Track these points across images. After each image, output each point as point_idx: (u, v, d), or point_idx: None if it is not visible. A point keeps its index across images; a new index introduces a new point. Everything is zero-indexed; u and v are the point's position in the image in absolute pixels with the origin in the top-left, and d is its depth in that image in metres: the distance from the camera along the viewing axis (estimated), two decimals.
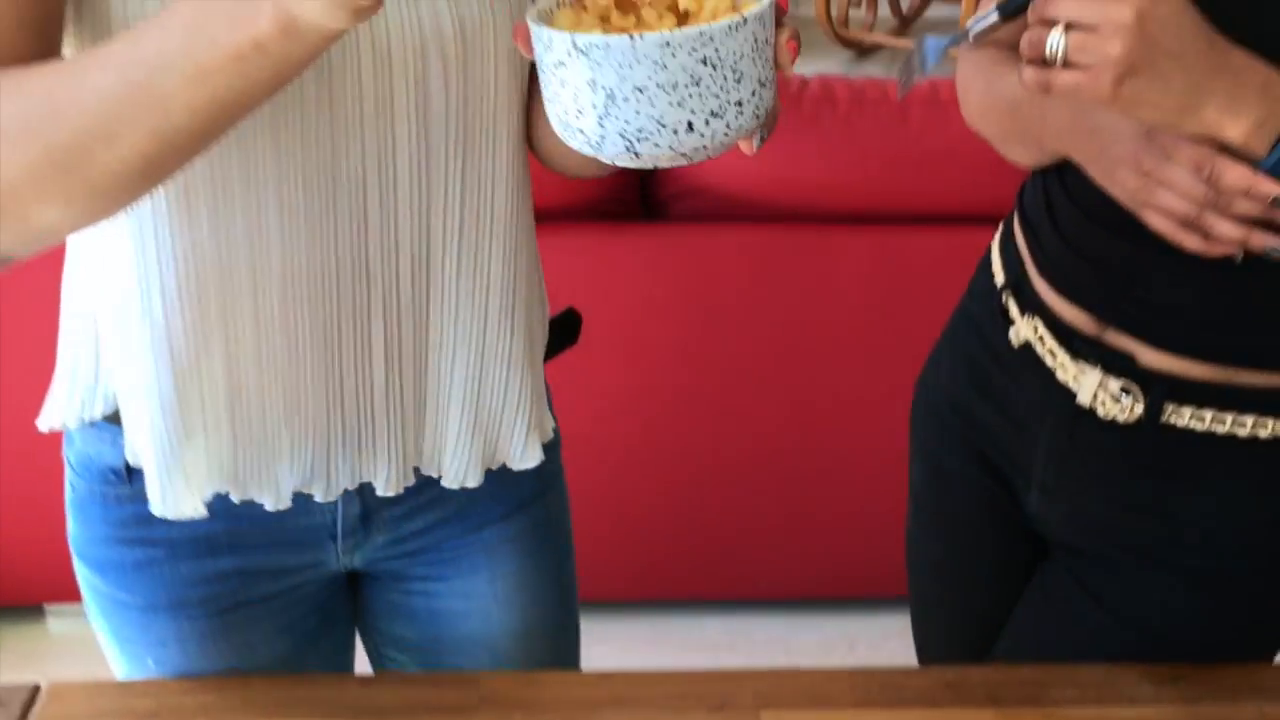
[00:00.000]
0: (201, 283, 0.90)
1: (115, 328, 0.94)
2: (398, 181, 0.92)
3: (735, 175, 1.91)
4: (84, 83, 0.73)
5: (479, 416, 1.03)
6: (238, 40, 0.69)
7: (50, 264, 1.01)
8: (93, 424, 1.00)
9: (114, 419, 0.99)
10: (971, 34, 0.90)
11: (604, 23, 0.72)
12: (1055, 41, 0.83)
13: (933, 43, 0.94)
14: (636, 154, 0.71)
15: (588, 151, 0.73)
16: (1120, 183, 0.99)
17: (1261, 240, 0.95)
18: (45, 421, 1.03)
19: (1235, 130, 0.87)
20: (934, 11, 5.12)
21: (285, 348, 0.94)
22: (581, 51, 0.68)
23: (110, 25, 0.82)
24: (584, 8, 0.74)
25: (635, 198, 1.96)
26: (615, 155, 0.72)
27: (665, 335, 2.02)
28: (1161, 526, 1.13)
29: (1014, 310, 1.17)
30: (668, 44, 0.66)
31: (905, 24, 5.05)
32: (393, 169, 0.91)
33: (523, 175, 1.00)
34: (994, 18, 0.88)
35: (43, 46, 0.80)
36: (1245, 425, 1.06)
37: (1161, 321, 1.07)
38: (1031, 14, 0.85)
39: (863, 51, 4.93)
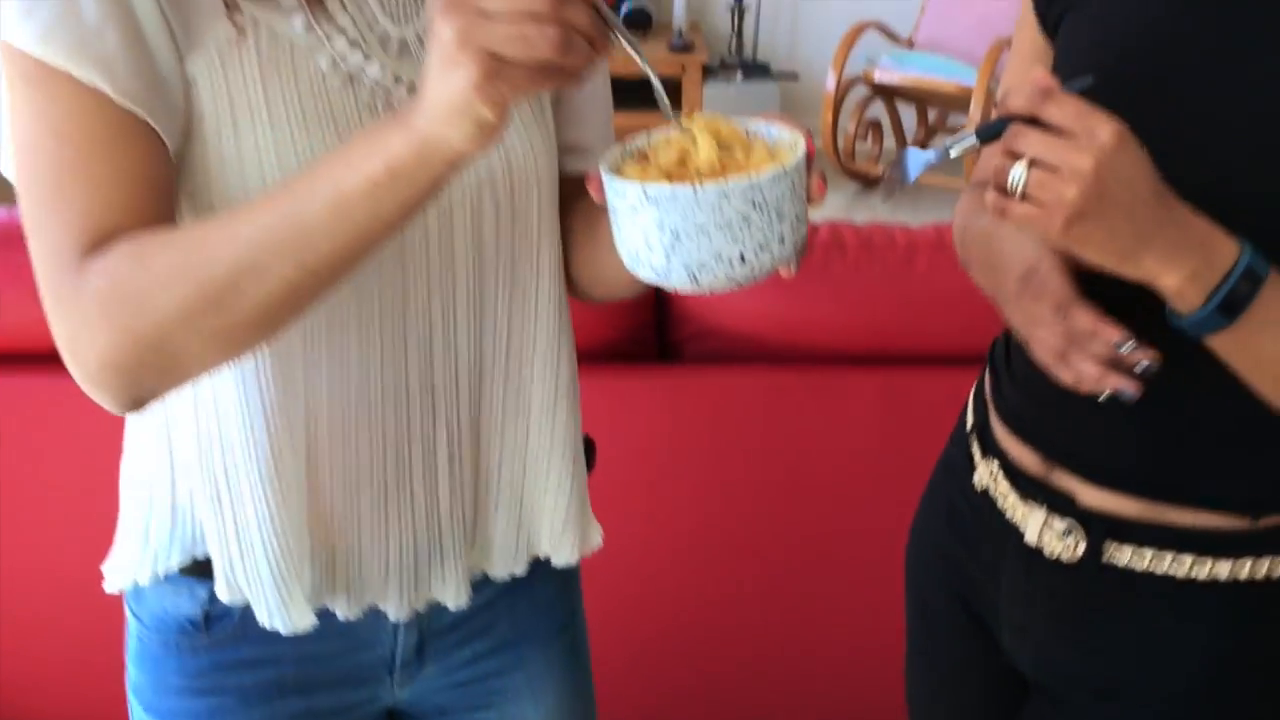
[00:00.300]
0: (298, 415, 0.97)
1: (210, 473, 0.99)
2: (457, 309, 1.01)
3: (748, 317, 1.96)
4: (235, 224, 0.81)
5: (524, 513, 1.11)
6: (374, 166, 0.77)
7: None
8: (167, 578, 1.04)
9: (190, 570, 1.03)
10: (951, 152, 0.94)
11: (667, 172, 0.83)
12: (1017, 175, 0.88)
13: (915, 154, 0.98)
14: (698, 283, 0.81)
15: (654, 281, 0.83)
16: (1010, 317, 1.07)
17: (1116, 382, 1.00)
18: (115, 583, 1.07)
19: (1170, 280, 0.91)
20: (937, 144, 5.23)
21: (369, 466, 1.01)
22: (652, 199, 0.78)
23: (210, 196, 0.90)
24: (647, 159, 0.84)
25: (651, 339, 2.01)
26: (679, 284, 0.82)
27: (680, 473, 2.06)
28: (1115, 666, 1.16)
29: (977, 454, 1.23)
30: (724, 193, 0.78)
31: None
32: (453, 298, 1.00)
33: (561, 299, 1.09)
34: (972, 140, 0.93)
35: (166, 210, 0.88)
36: (1184, 564, 1.10)
37: (1099, 461, 1.12)
38: (1001, 144, 0.90)
39: (869, 183, 5.04)
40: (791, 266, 0.85)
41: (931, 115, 5.08)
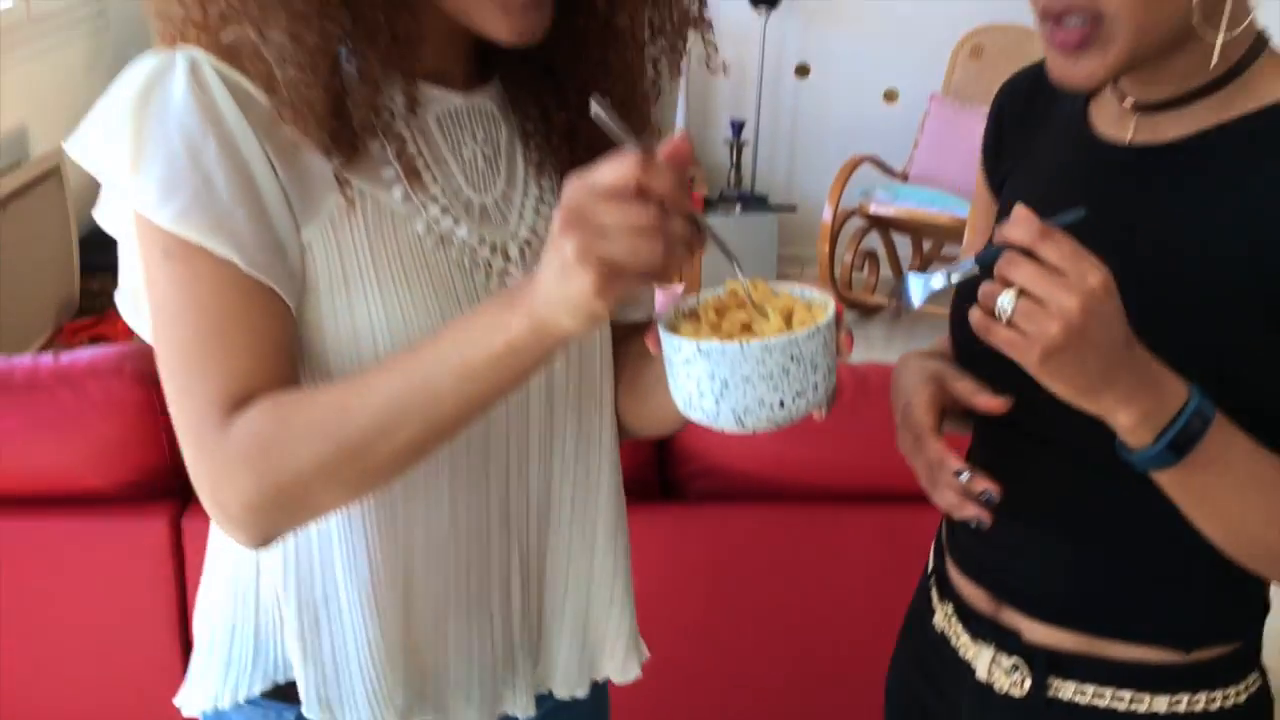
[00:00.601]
0: (397, 546, 1.07)
1: (308, 600, 1.07)
2: (529, 445, 1.11)
3: (749, 456, 2.01)
4: (370, 387, 0.93)
5: (587, 638, 1.20)
6: (496, 342, 0.89)
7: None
8: (250, 701, 1.11)
9: (273, 694, 1.11)
10: (952, 278, 0.98)
11: (714, 328, 0.93)
12: (1006, 301, 0.92)
13: (917, 280, 1.02)
14: (743, 425, 0.91)
15: (704, 423, 0.93)
16: (899, 442, 1.16)
17: (970, 510, 1.10)
18: (194, 706, 1.13)
19: (1124, 418, 0.96)
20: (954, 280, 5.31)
21: (456, 591, 1.10)
22: (704, 353, 0.89)
23: (324, 347, 1.01)
24: (697, 318, 0.95)
25: (654, 478, 2.06)
26: (726, 426, 0.92)
27: (682, 608, 2.08)
28: None
29: (935, 598, 1.29)
30: (767, 348, 0.88)
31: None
32: (525, 435, 1.11)
33: (615, 434, 1.19)
34: (972, 266, 0.96)
35: (293, 369, 0.99)
36: (1123, 700, 1.14)
37: (1040, 597, 1.17)
38: (996, 269, 0.93)
39: (866, 312, 5.12)
40: (824, 410, 0.94)
41: (926, 245, 5.17)
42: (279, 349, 0.98)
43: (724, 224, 5.13)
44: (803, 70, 5.40)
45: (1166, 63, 1.05)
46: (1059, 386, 0.94)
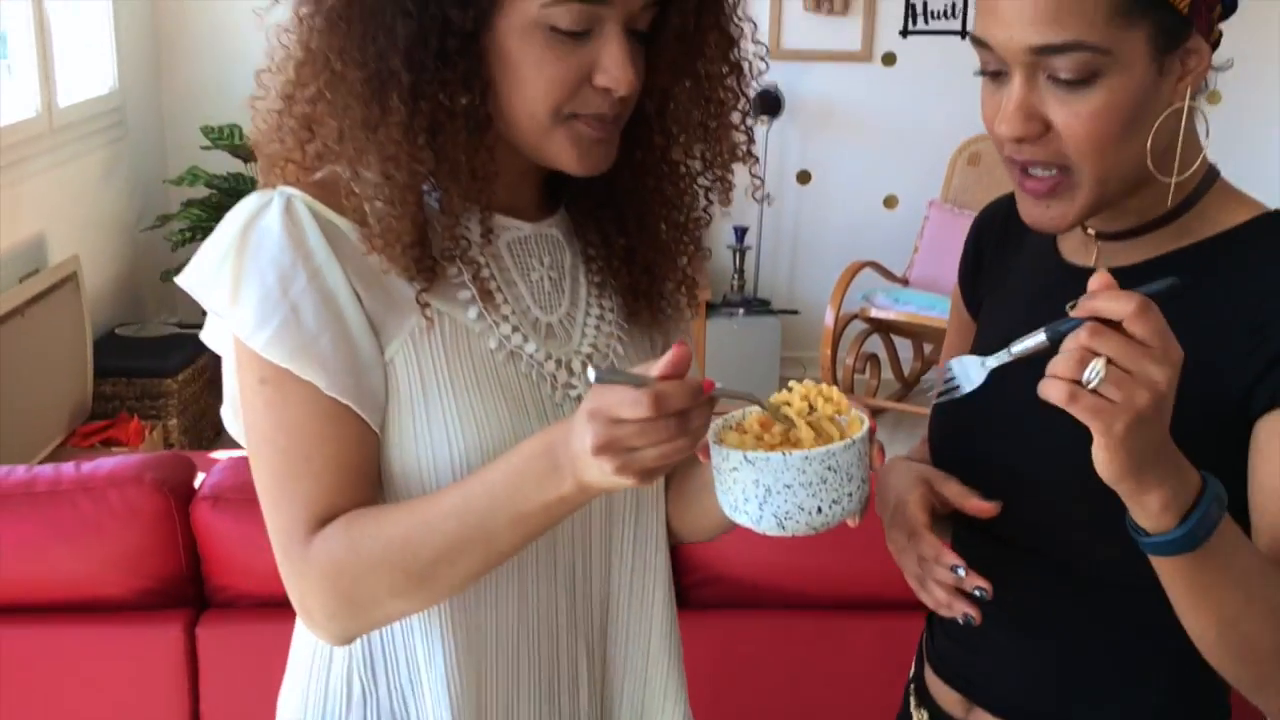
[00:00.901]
0: (470, 643, 1.15)
1: (389, 690, 1.17)
2: (591, 547, 1.21)
3: (753, 565, 2.05)
4: (430, 526, 1.04)
5: None
6: (547, 496, 1.00)
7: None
8: None
9: None
10: (1012, 353, 0.99)
11: (758, 439, 1.02)
12: (1097, 368, 0.90)
13: (970, 362, 1.03)
14: (784, 528, 0.99)
15: (748, 526, 1.01)
16: (890, 548, 1.21)
17: (961, 607, 1.14)
18: None
19: (1157, 500, 0.96)
20: (934, 375, 5.37)
21: (528, 684, 1.18)
22: (749, 462, 0.98)
23: (404, 453, 1.12)
24: (743, 430, 1.04)
25: None
26: (768, 529, 1.00)
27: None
28: None
29: (913, 704, 1.33)
30: (806, 459, 0.97)
31: (908, 388, 5.30)
32: (588, 539, 1.20)
33: (666, 537, 1.28)
34: (1041, 339, 0.96)
35: (372, 489, 1.10)
36: None
37: (1011, 697, 1.21)
38: (1075, 339, 0.92)
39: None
40: (857, 518, 1.02)
41: (927, 349, 5.24)
42: (358, 468, 1.09)
43: (727, 327, 5.20)
44: (804, 177, 5.51)
45: (1126, 200, 1.13)
46: (1122, 459, 0.94)
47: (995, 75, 1.10)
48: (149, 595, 2.01)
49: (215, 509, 2.00)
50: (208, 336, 1.18)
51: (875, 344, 5.24)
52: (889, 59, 5.40)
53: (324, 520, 1.07)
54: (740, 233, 5.29)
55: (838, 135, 5.45)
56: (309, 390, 1.07)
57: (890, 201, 5.55)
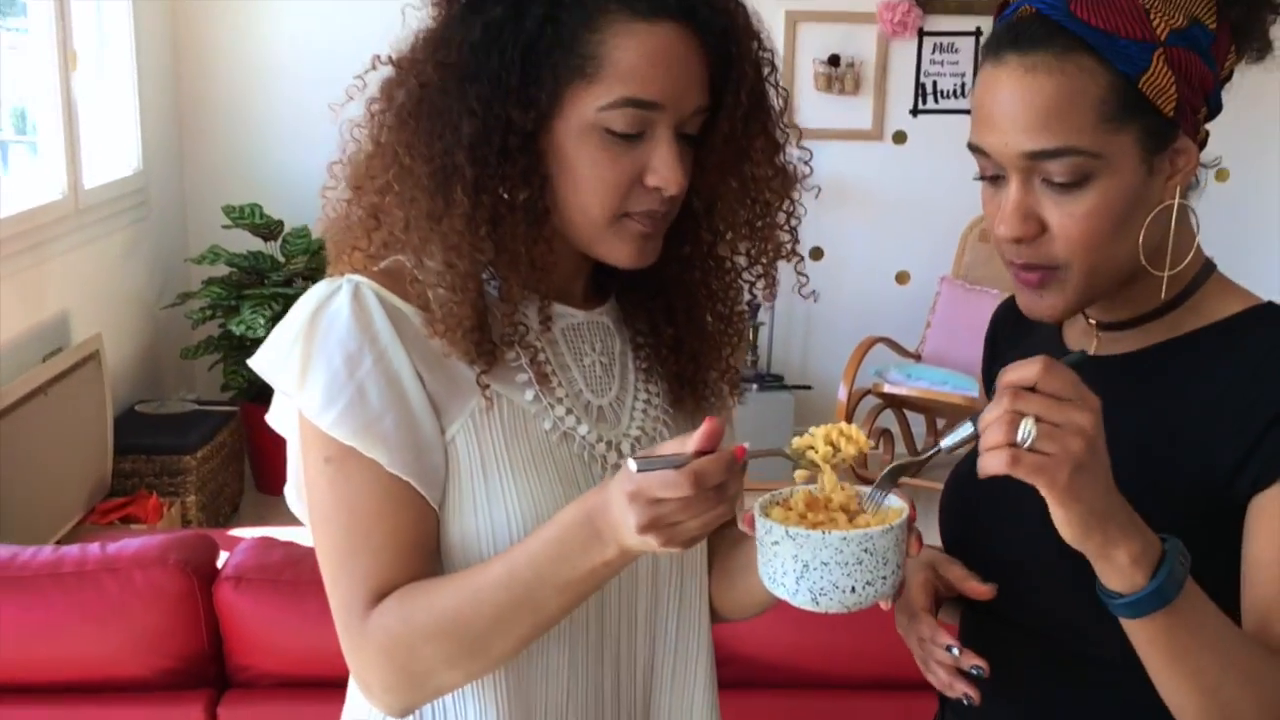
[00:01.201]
0: (521, 710, 1.19)
1: None
2: (637, 620, 1.25)
3: (767, 644, 2.06)
4: (480, 599, 1.08)
5: None
6: (592, 564, 1.05)
7: None
8: None
9: None
10: (944, 448, 1.07)
11: (801, 517, 1.05)
12: (1028, 427, 0.95)
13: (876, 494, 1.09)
14: (818, 604, 1.03)
15: (784, 598, 1.05)
16: (896, 624, 1.25)
17: (961, 687, 1.17)
18: None
19: (1124, 555, 0.99)
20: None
21: None
22: (790, 537, 1.02)
23: (463, 527, 1.16)
24: (788, 507, 1.07)
25: None
26: (803, 604, 1.04)
27: None
28: None
29: None
30: (844, 539, 1.01)
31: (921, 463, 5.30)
32: (634, 611, 1.24)
33: (709, 612, 1.31)
34: (970, 429, 1.01)
35: (428, 565, 1.15)
36: None
37: None
38: (999, 407, 0.96)
39: None
40: (890, 600, 1.05)
41: (940, 424, 5.25)
42: (417, 544, 1.14)
43: (741, 403, 5.22)
44: (817, 253, 5.56)
45: (1122, 292, 1.17)
46: (1077, 510, 0.97)
47: (994, 180, 1.15)
48: (171, 675, 2.03)
49: (238, 589, 2.02)
50: (273, 419, 1.23)
51: (888, 419, 5.26)
52: (900, 137, 5.47)
53: (381, 595, 1.11)
54: (754, 309, 5.32)
55: (850, 212, 5.50)
56: (372, 468, 1.11)
57: (902, 277, 5.59)
